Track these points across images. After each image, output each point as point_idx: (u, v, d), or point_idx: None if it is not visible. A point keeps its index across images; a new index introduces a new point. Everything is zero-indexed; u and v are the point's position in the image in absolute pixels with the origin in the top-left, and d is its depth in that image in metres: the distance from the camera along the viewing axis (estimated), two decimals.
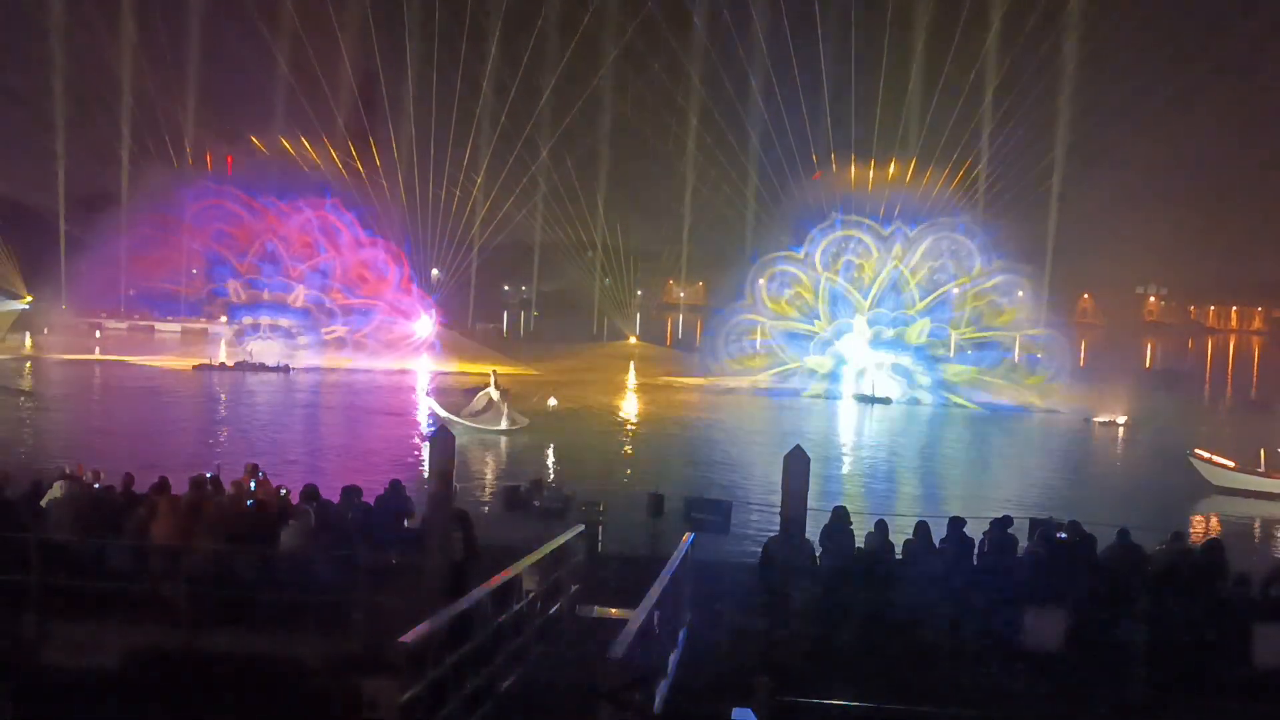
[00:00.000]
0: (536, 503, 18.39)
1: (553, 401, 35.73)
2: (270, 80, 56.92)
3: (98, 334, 58.27)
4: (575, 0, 59.34)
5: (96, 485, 15.24)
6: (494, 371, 38.49)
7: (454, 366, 54.68)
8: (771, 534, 13.68)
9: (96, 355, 54.47)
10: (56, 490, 14.07)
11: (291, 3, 55.52)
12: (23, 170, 59.09)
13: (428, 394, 37.96)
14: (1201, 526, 26.39)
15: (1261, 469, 29.89)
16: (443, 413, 36.01)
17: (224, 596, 12.05)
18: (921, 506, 25.87)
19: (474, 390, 37.18)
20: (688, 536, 13.65)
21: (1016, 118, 53.01)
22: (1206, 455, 31.05)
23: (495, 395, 36.07)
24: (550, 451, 33.10)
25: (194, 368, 52.04)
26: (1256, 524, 26.85)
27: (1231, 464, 30.24)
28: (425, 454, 31.84)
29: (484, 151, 60.56)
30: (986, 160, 53.95)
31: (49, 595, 12.12)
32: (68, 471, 15.13)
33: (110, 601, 12.05)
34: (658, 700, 10.04)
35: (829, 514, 13.60)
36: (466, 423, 34.38)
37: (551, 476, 27.93)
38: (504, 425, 35.38)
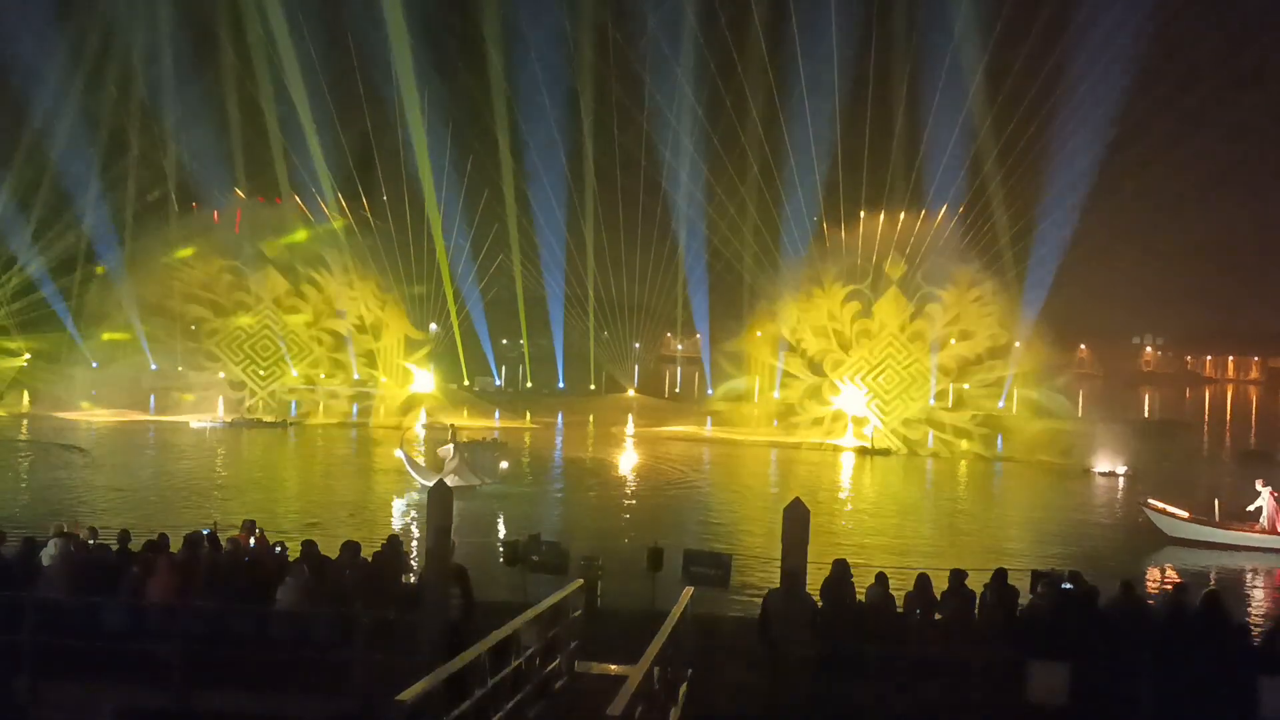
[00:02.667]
0: (535, 558, 18.26)
1: (504, 465, 34.62)
2: (267, 133, 57.40)
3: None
4: (567, 56, 60.02)
5: (92, 543, 15.17)
6: (452, 426, 37.70)
7: (451, 421, 54.72)
8: (771, 587, 13.59)
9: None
10: (51, 548, 13.99)
11: (286, 58, 56.18)
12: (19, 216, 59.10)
13: (397, 452, 37.02)
14: (1156, 576, 26.27)
15: (1216, 519, 29.66)
16: (411, 470, 35.05)
17: (220, 655, 11.94)
18: (921, 558, 25.74)
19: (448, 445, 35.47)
20: (688, 591, 13.57)
21: (1009, 168, 53.54)
22: (1160, 505, 30.82)
23: (449, 452, 34.39)
24: (502, 512, 31.92)
25: (191, 425, 52.14)
26: (1211, 575, 26.57)
27: (1185, 514, 30.04)
28: (399, 507, 31.78)
29: (477, 205, 61.09)
30: (981, 210, 54.35)
31: (42, 655, 12.00)
32: (64, 529, 15.05)
33: (105, 661, 11.93)
34: None
35: (829, 567, 13.53)
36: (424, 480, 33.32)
37: (496, 526, 27.27)
38: (450, 483, 33.49)
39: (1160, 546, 29.43)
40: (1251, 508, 29.35)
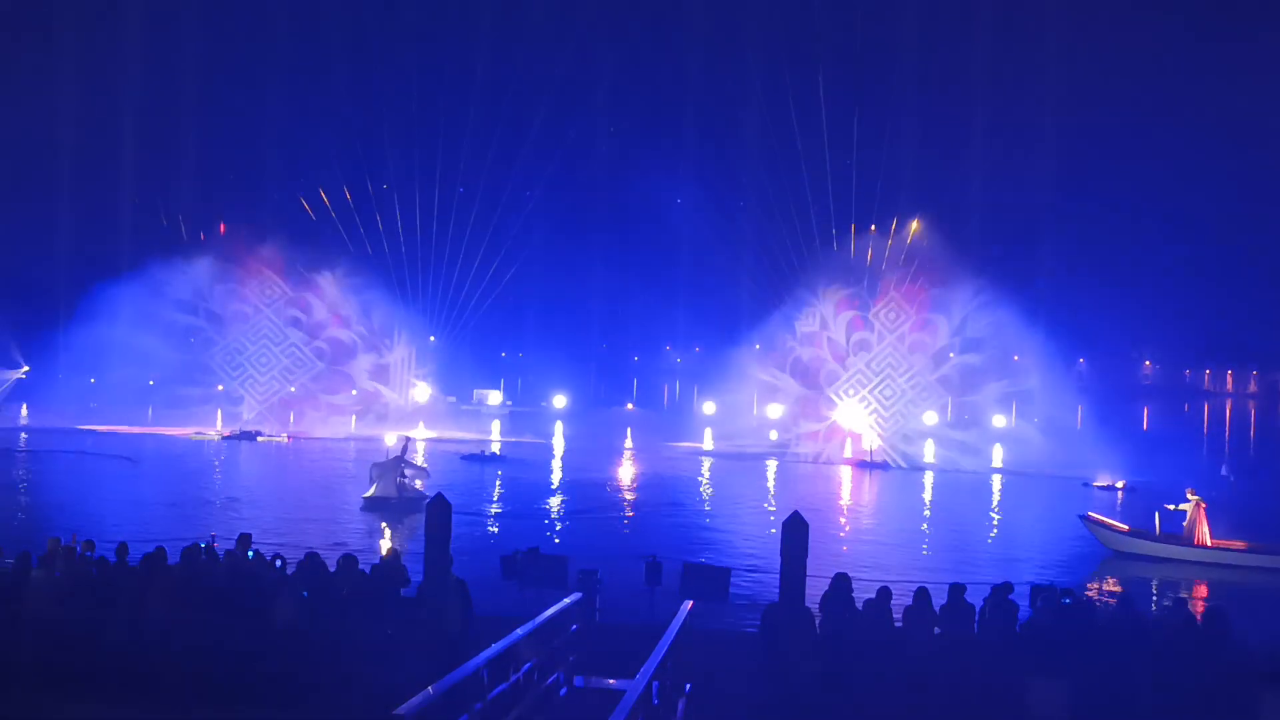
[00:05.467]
0: (533, 571, 18.23)
1: (418, 482, 34.58)
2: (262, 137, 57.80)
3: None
4: (567, 64, 60.22)
5: (89, 555, 15.12)
6: (408, 440, 37.85)
7: (451, 434, 54.88)
8: (771, 601, 13.57)
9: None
10: (42, 569, 13.93)
11: (278, 75, 56.62)
12: (19, 236, 59.20)
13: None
14: (1095, 589, 26.12)
15: (1155, 533, 29.41)
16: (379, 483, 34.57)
17: (218, 669, 11.89)
18: (920, 572, 25.64)
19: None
20: (687, 604, 13.54)
21: (1009, 182, 53.75)
22: (1099, 518, 30.88)
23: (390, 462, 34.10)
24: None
25: (192, 436, 52.20)
26: (1154, 587, 26.33)
27: (1124, 527, 30.03)
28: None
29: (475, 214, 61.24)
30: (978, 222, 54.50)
31: (39, 671, 11.95)
32: (60, 543, 15.00)
33: (102, 676, 11.89)
34: None
35: (829, 580, 13.50)
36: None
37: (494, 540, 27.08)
38: (370, 492, 33.46)
39: (1100, 559, 29.33)
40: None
